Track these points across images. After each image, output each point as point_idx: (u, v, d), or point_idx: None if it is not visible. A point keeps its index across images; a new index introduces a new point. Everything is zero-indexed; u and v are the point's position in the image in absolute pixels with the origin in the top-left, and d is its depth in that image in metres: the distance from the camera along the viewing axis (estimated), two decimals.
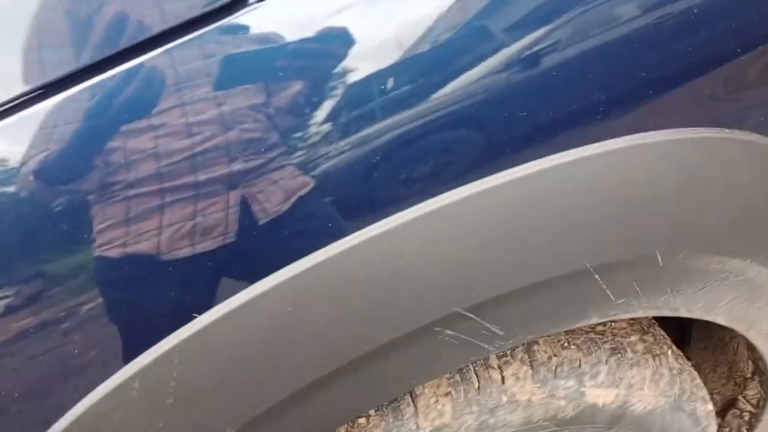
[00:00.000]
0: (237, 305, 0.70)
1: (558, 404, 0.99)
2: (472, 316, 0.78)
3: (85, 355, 0.69)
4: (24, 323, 0.66)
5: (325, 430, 0.82)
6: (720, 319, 0.95)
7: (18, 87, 0.62)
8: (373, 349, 0.76)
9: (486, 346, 0.82)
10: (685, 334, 1.39)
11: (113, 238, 0.65)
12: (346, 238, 0.70)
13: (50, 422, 0.69)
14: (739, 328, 0.98)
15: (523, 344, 1.00)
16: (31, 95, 0.62)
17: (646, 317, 1.16)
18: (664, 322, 1.20)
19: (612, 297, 0.84)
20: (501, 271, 0.76)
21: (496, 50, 0.70)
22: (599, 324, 1.07)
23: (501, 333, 0.81)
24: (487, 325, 0.79)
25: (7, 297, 0.65)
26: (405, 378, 0.81)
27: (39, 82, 0.62)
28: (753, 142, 0.82)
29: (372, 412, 0.94)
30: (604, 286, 0.82)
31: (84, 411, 0.69)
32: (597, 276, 0.81)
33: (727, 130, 0.81)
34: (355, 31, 0.66)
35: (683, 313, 0.91)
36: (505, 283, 0.77)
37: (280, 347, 0.72)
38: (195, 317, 0.69)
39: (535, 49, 0.71)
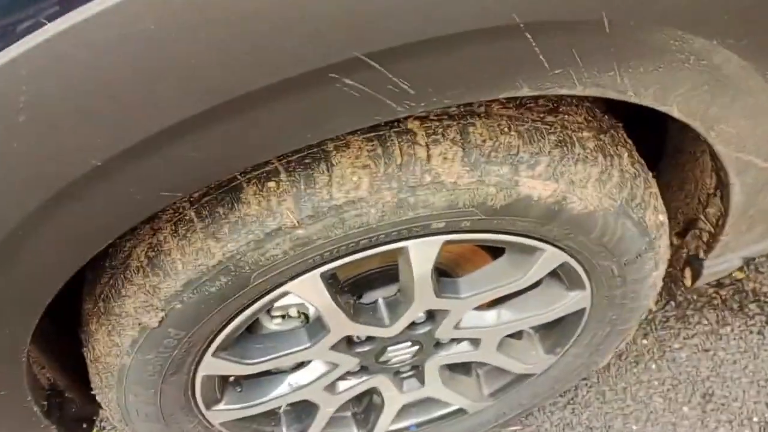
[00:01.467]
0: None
1: (487, 191, 0.92)
2: (375, 65, 0.68)
3: None
4: None
5: (215, 174, 0.76)
6: (675, 111, 0.84)
7: None
8: (260, 89, 0.67)
9: (394, 105, 0.73)
10: (658, 150, 1.30)
11: None
12: None
13: None
14: (697, 125, 0.88)
15: (459, 121, 0.91)
16: None
17: (606, 119, 1.06)
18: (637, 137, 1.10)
19: (546, 65, 0.74)
20: (409, 13, 0.65)
21: None
22: (550, 115, 0.97)
23: (411, 92, 0.72)
24: (394, 78, 0.70)
25: None
26: (300, 128, 0.73)
27: None
28: None
29: (283, 177, 0.88)
30: (537, 50, 0.72)
31: None
32: (528, 35, 0.70)
33: None
34: None
35: (631, 97, 0.81)
36: (413, 30, 0.67)
37: (147, 73, 0.64)
38: (45, 23, 0.60)
39: None
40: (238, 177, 0.88)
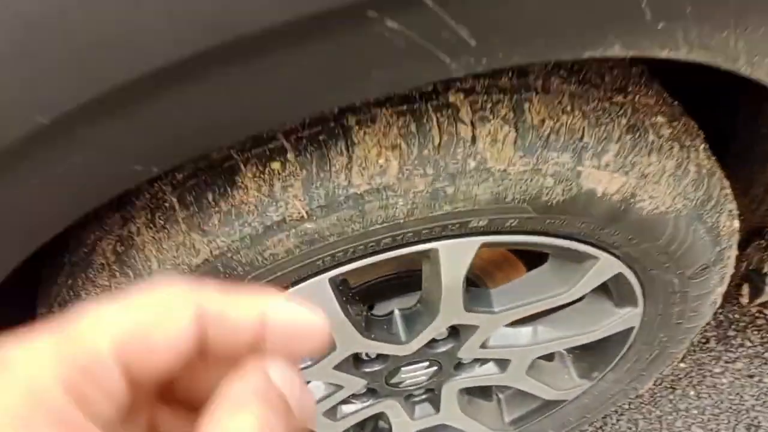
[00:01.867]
0: None
1: (543, 182, 0.74)
2: (429, 2, 0.50)
3: None
4: None
5: (205, 144, 0.58)
6: None
7: None
8: (271, 29, 0.49)
9: (448, 61, 0.55)
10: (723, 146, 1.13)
11: None
12: None
13: None
14: None
15: (512, 96, 0.73)
16: None
17: (677, 106, 0.89)
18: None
19: (649, 14, 0.56)
20: None
21: None
22: (619, 94, 0.80)
23: (472, 43, 0.54)
24: (452, 23, 0.52)
25: None
26: (322, 87, 0.55)
27: None
28: None
29: (291, 156, 0.70)
30: None
31: None
32: None
33: None
34: None
35: (742, 67, 0.63)
36: None
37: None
38: None
39: None
40: (234, 155, 0.70)
